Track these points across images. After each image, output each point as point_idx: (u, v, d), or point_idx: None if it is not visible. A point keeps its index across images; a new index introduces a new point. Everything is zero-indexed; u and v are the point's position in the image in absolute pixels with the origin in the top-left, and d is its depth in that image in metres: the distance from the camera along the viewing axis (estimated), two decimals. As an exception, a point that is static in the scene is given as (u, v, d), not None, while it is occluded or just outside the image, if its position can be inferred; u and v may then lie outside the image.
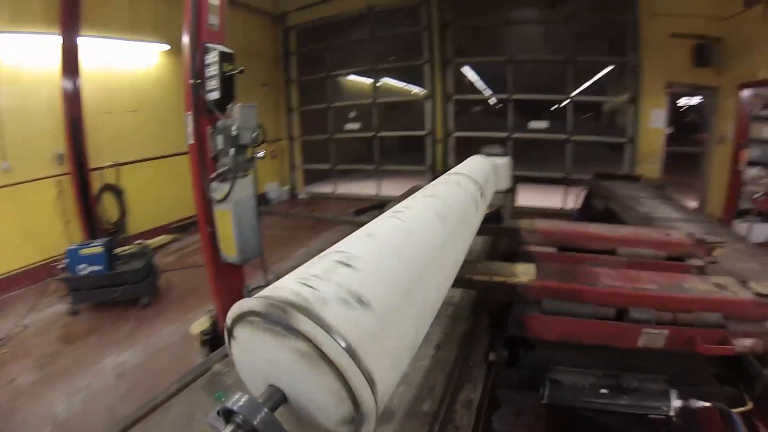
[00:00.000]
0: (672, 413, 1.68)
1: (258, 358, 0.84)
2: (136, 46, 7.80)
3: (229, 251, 3.73)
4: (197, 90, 3.33)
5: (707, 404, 1.72)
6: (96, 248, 5.15)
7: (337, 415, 0.78)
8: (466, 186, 1.94)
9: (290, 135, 11.97)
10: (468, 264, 2.11)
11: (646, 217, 3.84)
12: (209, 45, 3.33)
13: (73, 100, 6.60)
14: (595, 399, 1.74)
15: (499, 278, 1.87)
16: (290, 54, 11.54)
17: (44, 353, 4.49)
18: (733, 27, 7.93)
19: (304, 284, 0.84)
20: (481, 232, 3.06)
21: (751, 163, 8.04)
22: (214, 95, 3.33)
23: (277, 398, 0.81)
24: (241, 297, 1.06)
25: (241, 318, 0.83)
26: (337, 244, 1.06)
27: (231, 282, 3.97)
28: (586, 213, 5.75)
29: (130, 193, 7.70)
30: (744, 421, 1.69)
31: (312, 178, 12.37)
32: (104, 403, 3.66)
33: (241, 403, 0.74)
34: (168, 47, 8.20)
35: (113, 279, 5.22)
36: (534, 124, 9.76)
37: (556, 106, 10.09)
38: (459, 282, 1.99)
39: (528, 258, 2.29)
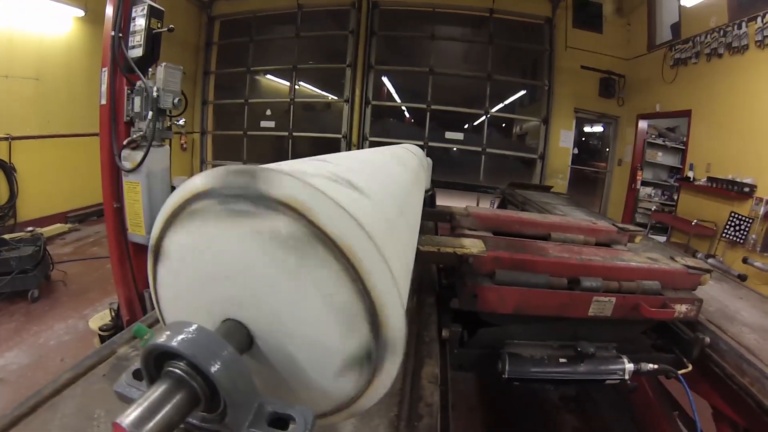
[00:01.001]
0: (627, 377, 1.74)
1: (206, 274, 0.55)
2: (44, 7, 6.85)
3: (138, 229, 3.36)
4: (117, 44, 2.98)
5: (656, 367, 1.80)
6: (-26, 231, 4.44)
7: (344, 350, 0.53)
8: (410, 156, 1.90)
9: (203, 128, 11.40)
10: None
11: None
12: (139, -3, 3.01)
13: None
14: (555, 368, 1.74)
15: (448, 249, 1.81)
16: (212, 44, 11.05)
17: None
18: (635, 66, 9.19)
19: (278, 167, 0.59)
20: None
21: (645, 183, 9.12)
22: (137, 52, 3.00)
23: (240, 338, 0.53)
24: (148, 285, 0.73)
25: (180, 211, 0.56)
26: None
27: (138, 266, 3.55)
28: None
29: (23, 173, 6.74)
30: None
31: (222, 174, 11.81)
32: (-21, 412, 3.10)
33: (185, 337, 0.44)
34: (82, 13, 7.33)
35: (-4, 267, 4.52)
36: (450, 135, 10.19)
37: (474, 122, 10.63)
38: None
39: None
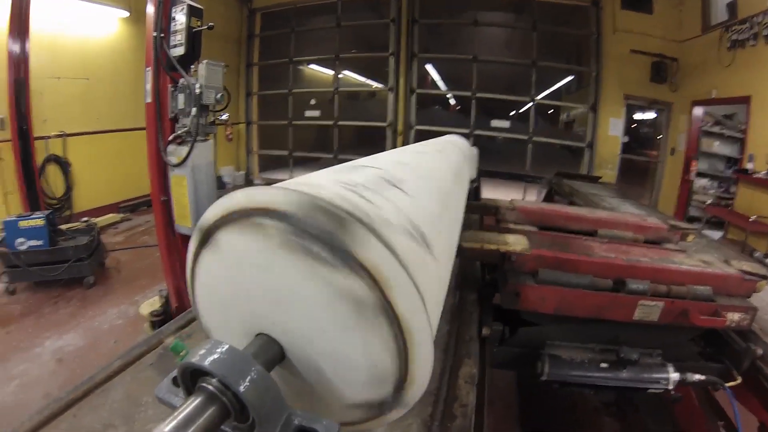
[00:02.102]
0: (671, 387, 1.66)
1: (254, 286, 0.56)
2: (92, 10, 7.21)
3: (184, 221, 3.46)
4: (160, 44, 3.06)
5: (703, 378, 1.70)
6: (37, 221, 4.70)
7: (364, 394, 0.56)
8: (453, 151, 1.86)
9: (248, 119, 11.62)
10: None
11: (613, 211, 3.90)
12: (177, -3, 3.09)
13: (19, 61, 6.01)
14: (596, 373, 1.68)
15: (491, 246, 1.77)
16: (253, 37, 11.21)
17: (-26, 336, 4.05)
18: (689, 49, 8.55)
19: (354, 192, 0.59)
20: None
21: (700, 174, 8.57)
22: (179, 51, 3.08)
23: (272, 354, 0.55)
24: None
25: (245, 215, 0.55)
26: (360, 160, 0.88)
27: (185, 256, 3.66)
28: (548, 208, 5.91)
29: (77, 167, 7.14)
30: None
31: (268, 164, 12.05)
32: (41, 391, 3.30)
33: (216, 357, 0.47)
34: (127, 14, 7.68)
35: (55, 255, 4.78)
36: (496, 123, 9.94)
37: (519, 109, 10.36)
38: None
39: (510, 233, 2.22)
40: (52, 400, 1.56)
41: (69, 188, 7.02)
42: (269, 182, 8.03)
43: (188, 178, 3.31)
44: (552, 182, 6.13)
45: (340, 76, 10.85)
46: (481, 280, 2.37)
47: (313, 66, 11.45)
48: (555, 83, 10.09)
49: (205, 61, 3.18)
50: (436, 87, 11.11)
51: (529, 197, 8.82)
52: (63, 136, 6.92)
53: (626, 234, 2.41)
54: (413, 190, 0.71)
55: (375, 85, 10.98)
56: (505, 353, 1.82)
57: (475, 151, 3.72)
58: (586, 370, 1.67)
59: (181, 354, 0.52)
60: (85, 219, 5.76)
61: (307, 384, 0.57)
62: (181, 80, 3.17)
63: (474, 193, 4.04)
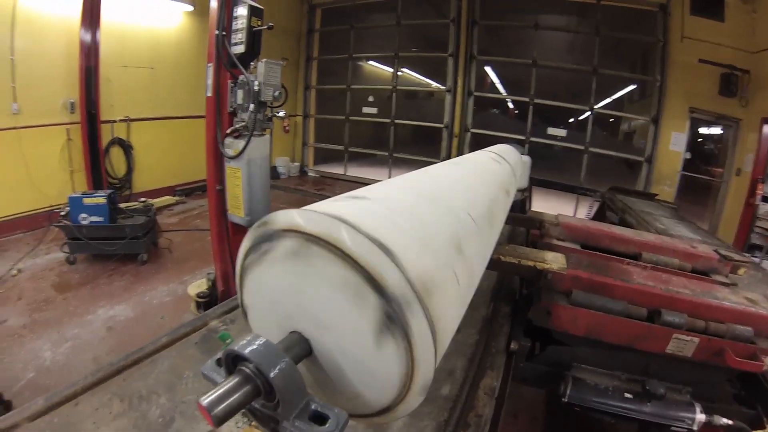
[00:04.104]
0: (695, 428, 1.60)
1: (288, 291, 0.66)
2: (159, 3, 7.65)
3: (237, 211, 3.61)
4: (221, 42, 3.21)
5: (730, 423, 1.63)
6: (99, 199, 5.03)
7: (375, 394, 0.64)
8: (503, 164, 1.85)
9: (305, 112, 11.86)
10: (497, 246, 2.02)
11: (663, 234, 3.75)
12: (239, -3, 3.22)
13: (90, 49, 6.46)
14: (619, 403, 1.64)
15: (528, 262, 1.77)
16: (313, 31, 11.42)
17: (36, 299, 4.40)
18: (762, 60, 7.83)
19: (385, 218, 0.69)
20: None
21: (766, 199, 7.96)
22: (239, 49, 3.22)
23: (301, 349, 0.65)
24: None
25: (278, 234, 0.66)
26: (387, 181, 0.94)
27: (234, 244, 3.81)
28: (599, 223, 5.70)
29: (138, 150, 7.60)
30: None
31: (323, 157, 12.25)
32: (91, 355, 3.56)
33: (254, 347, 0.57)
34: (191, 8, 8.04)
35: (113, 232, 5.11)
36: (552, 131, 9.65)
37: (577, 118, 10.00)
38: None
39: (550, 250, 2.18)
40: (106, 364, 1.76)
41: (130, 169, 7.48)
42: (324, 175, 8.21)
43: (243, 171, 3.45)
44: (605, 196, 5.93)
45: (399, 73, 10.86)
46: (518, 294, 2.35)
47: (372, 62, 11.52)
48: (616, 92, 9.65)
49: (264, 60, 3.31)
50: (495, 90, 10.91)
51: (581, 211, 8.55)
52: (127, 120, 7.37)
53: (672, 260, 2.31)
54: (429, 214, 0.78)
55: (434, 84, 10.91)
56: (531, 369, 1.82)
57: (527, 159, 3.66)
58: (609, 398, 1.64)
59: (227, 342, 0.63)
60: (143, 199, 6.11)
61: (329, 378, 0.67)
62: (241, 77, 3.31)
63: (521, 205, 3.98)
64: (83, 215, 4.99)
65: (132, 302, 4.49)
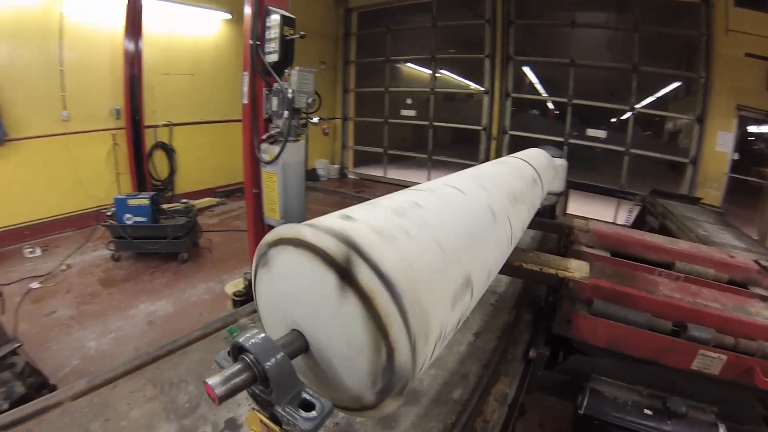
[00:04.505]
0: None
1: (284, 291, 0.76)
2: (199, 13, 7.94)
3: (273, 214, 3.72)
4: (256, 51, 3.32)
5: None
6: (142, 200, 5.28)
7: (359, 389, 0.70)
8: (526, 170, 1.84)
9: (344, 115, 11.99)
10: (520, 253, 2.02)
11: (705, 241, 3.59)
12: (271, 8, 3.32)
13: (133, 59, 6.80)
14: (637, 419, 1.59)
15: (550, 270, 1.76)
16: (350, 35, 11.51)
17: (83, 292, 4.67)
18: None
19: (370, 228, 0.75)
20: (533, 226, 2.95)
21: (822, 204, 7.48)
22: (273, 57, 3.32)
23: (298, 345, 0.74)
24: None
25: (279, 242, 0.75)
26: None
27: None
28: (638, 229, 5.47)
29: (180, 154, 7.93)
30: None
31: (362, 159, 12.34)
32: (132, 346, 3.76)
33: (254, 341, 0.67)
34: (230, 16, 8.33)
35: (156, 231, 5.36)
36: (592, 132, 9.38)
37: (617, 118, 9.67)
38: (507, 269, 1.90)
39: (579, 257, 2.14)
40: (142, 353, 1.92)
41: (173, 172, 7.81)
42: (363, 177, 8.28)
43: (279, 175, 3.57)
44: (646, 200, 5.71)
45: (437, 75, 10.80)
46: (543, 302, 2.32)
47: (410, 65, 11.54)
48: (658, 90, 9.26)
49: (297, 68, 3.40)
50: (534, 91, 10.71)
51: (622, 215, 8.27)
52: (170, 125, 7.70)
53: (707, 271, 2.21)
54: (430, 219, 0.84)
55: (473, 86, 10.81)
56: (549, 378, 1.80)
57: (561, 163, 3.59)
58: (628, 413, 1.59)
59: (234, 335, 0.70)
60: (184, 201, 6.39)
61: (323, 372, 0.74)
62: (275, 85, 3.41)
63: (551, 210, 3.91)
64: (128, 215, 5.25)
65: (172, 299, 4.69)
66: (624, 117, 9.17)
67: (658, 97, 9.51)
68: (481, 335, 1.95)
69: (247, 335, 0.68)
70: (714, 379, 1.57)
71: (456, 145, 11.90)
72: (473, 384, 1.58)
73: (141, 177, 7.14)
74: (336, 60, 11.59)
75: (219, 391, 0.64)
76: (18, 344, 3.01)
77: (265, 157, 3.56)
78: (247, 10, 3.35)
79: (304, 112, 3.63)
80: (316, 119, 3.75)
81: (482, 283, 1.00)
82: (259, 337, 0.67)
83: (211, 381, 0.64)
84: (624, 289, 1.70)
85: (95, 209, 6.40)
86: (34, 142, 6.06)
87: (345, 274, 0.65)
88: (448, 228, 0.90)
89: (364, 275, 0.64)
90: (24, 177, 6.02)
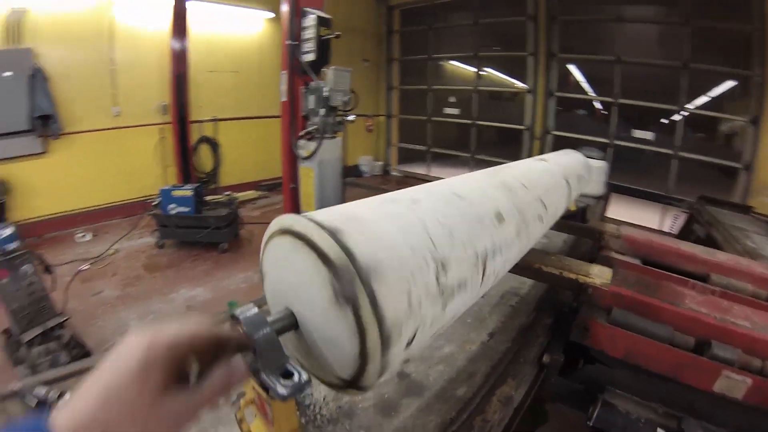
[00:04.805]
0: None
1: (280, 275, 0.82)
2: (242, 13, 8.20)
3: (309, 209, 3.84)
4: (293, 51, 3.42)
5: None
6: (186, 191, 5.53)
7: (339, 366, 0.75)
8: (553, 169, 1.82)
9: (388, 112, 12.04)
10: (541, 255, 2.00)
11: (752, 253, 3.39)
12: (307, 9, 3.40)
13: (179, 58, 7.12)
14: None
15: (570, 274, 1.73)
16: (393, 33, 11.51)
17: (129, 276, 4.97)
18: None
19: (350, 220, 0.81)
20: (562, 229, 2.90)
21: None
22: (309, 57, 3.41)
23: (287, 322, 0.79)
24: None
25: (277, 233, 0.81)
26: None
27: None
28: (684, 238, 5.21)
29: (224, 148, 8.25)
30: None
31: (406, 157, 12.35)
32: (171, 329, 3.97)
33: (246, 315, 0.71)
34: (272, 15, 8.53)
35: (198, 221, 5.59)
36: (638, 134, 8.98)
37: (665, 118, 9.20)
38: (527, 271, 1.88)
39: (607, 264, 2.09)
40: None
41: (217, 165, 8.12)
42: (407, 175, 8.33)
43: (315, 171, 3.68)
44: (694, 207, 5.43)
45: (481, 73, 10.65)
46: (566, 307, 2.28)
47: (453, 62, 11.46)
48: (710, 89, 8.71)
49: (332, 68, 3.47)
50: (581, 90, 10.34)
51: (667, 222, 7.92)
52: (214, 120, 8.03)
53: (744, 286, 2.10)
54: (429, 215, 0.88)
55: (518, 84, 10.59)
56: (561, 385, 1.77)
57: (600, 165, 3.50)
58: (639, 430, 1.51)
59: (233, 307, 0.76)
60: (227, 193, 6.65)
61: (310, 348, 0.80)
62: (312, 83, 3.50)
63: (582, 213, 3.80)
64: (172, 206, 5.50)
65: (210, 286, 4.89)
66: (672, 118, 8.73)
67: (712, 98, 8.99)
68: (496, 336, 1.94)
69: (242, 309, 0.73)
70: (736, 403, 1.48)
71: (501, 144, 11.68)
72: (479, 383, 1.59)
73: (186, 169, 7.47)
74: (379, 57, 11.64)
75: None
76: (65, 318, 3.25)
77: (302, 153, 3.66)
78: (284, 8, 3.44)
79: (340, 110, 3.70)
80: (352, 117, 3.81)
81: (477, 279, 1.00)
82: (252, 312, 0.73)
83: None
84: (646, 299, 1.65)
85: (142, 199, 6.74)
86: (88, 135, 6.51)
87: (313, 246, 0.72)
88: (439, 217, 0.93)
89: (325, 244, 0.70)
90: (77, 168, 6.47)
